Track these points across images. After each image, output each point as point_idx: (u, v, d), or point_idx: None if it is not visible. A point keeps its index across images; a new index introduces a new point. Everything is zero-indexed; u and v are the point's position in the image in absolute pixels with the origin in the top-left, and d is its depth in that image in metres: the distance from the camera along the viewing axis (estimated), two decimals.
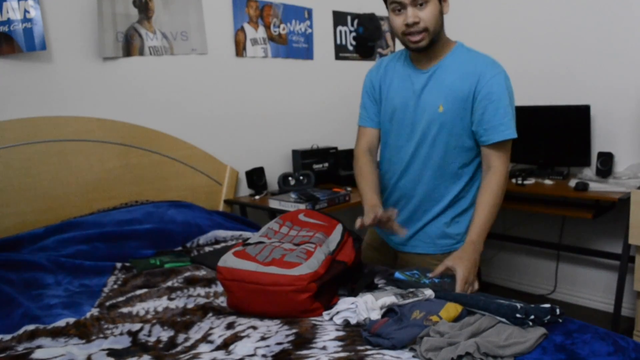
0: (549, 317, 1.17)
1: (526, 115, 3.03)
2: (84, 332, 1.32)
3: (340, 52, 3.32)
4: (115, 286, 1.70)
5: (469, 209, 1.67)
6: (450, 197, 1.64)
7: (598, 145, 2.84)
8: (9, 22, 2.03)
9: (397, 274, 1.42)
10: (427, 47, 1.52)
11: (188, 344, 1.25)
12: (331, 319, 1.27)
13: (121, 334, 1.31)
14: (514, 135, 1.52)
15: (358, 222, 1.46)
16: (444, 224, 1.67)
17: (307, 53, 3.14)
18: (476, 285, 1.42)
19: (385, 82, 1.68)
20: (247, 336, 1.21)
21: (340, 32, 3.32)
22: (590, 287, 3.09)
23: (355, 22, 3.41)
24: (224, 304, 1.44)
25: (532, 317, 1.15)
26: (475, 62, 1.54)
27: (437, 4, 1.49)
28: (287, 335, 1.19)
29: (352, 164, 1.80)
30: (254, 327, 1.25)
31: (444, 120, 1.55)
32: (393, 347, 1.10)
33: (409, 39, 1.52)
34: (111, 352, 1.19)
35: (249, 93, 2.89)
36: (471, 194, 1.67)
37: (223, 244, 2.09)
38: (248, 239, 1.50)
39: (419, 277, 1.42)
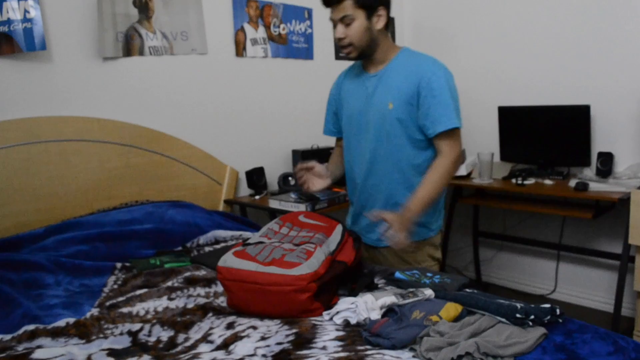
0: (549, 317, 1.17)
1: (526, 115, 3.04)
2: (84, 332, 1.32)
3: (340, 52, 3.32)
4: (115, 286, 1.70)
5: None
6: (413, 188, 1.72)
7: (598, 145, 2.84)
8: (9, 22, 2.03)
9: (398, 274, 1.42)
10: (359, 57, 1.71)
11: (188, 344, 1.25)
12: (331, 319, 1.27)
13: (121, 334, 1.31)
14: (457, 124, 1.65)
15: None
16: None
17: (307, 53, 3.14)
18: (403, 239, 1.52)
19: (343, 90, 1.85)
20: (247, 336, 1.21)
21: None
22: (590, 287, 3.09)
23: None
24: (224, 304, 1.44)
25: (532, 317, 1.15)
26: (417, 63, 1.69)
27: (363, 22, 1.63)
28: (287, 335, 1.19)
29: None
30: (254, 327, 1.25)
31: (395, 115, 1.69)
32: (393, 347, 1.10)
33: (341, 50, 1.72)
34: (111, 352, 1.19)
35: (249, 93, 2.89)
36: None
37: (223, 244, 2.09)
38: (248, 239, 1.50)
39: (419, 277, 1.42)
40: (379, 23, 1.66)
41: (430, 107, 1.63)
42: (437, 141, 1.67)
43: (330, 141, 3.07)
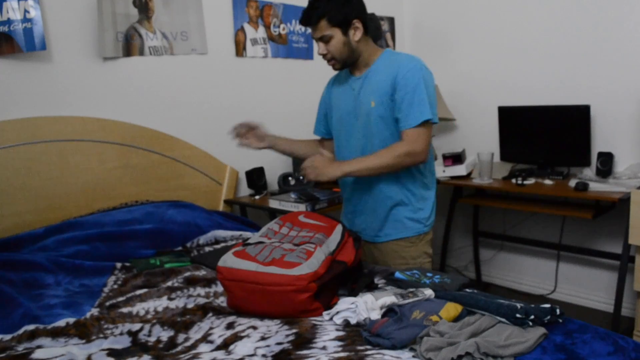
0: (549, 317, 1.17)
1: (526, 115, 3.03)
2: (84, 332, 1.32)
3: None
4: (115, 286, 1.70)
5: (427, 194, 1.84)
6: (405, 182, 1.79)
7: (598, 145, 2.84)
8: (9, 22, 2.03)
9: (397, 274, 1.43)
10: (343, 67, 1.80)
11: (188, 344, 1.25)
12: (331, 319, 1.27)
13: (121, 334, 1.31)
14: (428, 116, 1.67)
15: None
16: (410, 210, 1.82)
17: (307, 53, 3.14)
18: (313, 174, 1.69)
19: (333, 94, 1.93)
20: (247, 336, 1.21)
21: None
22: (590, 287, 3.09)
23: None
24: (224, 304, 1.44)
25: (532, 317, 1.15)
26: (395, 61, 1.74)
27: (340, 37, 1.72)
28: (287, 335, 1.19)
29: None
30: (254, 327, 1.25)
31: (377, 113, 1.75)
32: (393, 347, 1.10)
33: (327, 62, 1.80)
34: (111, 352, 1.19)
35: (249, 93, 2.89)
36: (425, 178, 1.83)
37: (223, 244, 2.09)
38: (248, 239, 1.50)
39: (419, 277, 1.42)
40: (356, 35, 1.73)
41: (404, 102, 1.68)
42: (405, 135, 1.70)
43: None
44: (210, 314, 1.38)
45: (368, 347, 1.13)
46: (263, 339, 1.19)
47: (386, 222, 1.84)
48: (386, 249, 1.85)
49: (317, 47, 1.78)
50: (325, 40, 1.72)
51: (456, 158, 3.06)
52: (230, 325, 1.28)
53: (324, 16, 1.68)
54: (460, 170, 3.03)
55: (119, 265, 1.85)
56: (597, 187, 2.55)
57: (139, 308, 1.48)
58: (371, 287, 1.46)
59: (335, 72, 1.94)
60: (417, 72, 1.68)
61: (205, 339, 1.24)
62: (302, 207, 2.40)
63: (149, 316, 1.43)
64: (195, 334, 1.29)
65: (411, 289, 1.32)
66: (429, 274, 1.44)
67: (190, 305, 1.45)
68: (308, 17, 1.71)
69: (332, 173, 1.69)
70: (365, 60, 1.79)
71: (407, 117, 1.68)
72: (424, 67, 1.72)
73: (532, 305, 1.19)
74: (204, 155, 2.68)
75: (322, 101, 2.01)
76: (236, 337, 1.21)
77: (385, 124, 1.75)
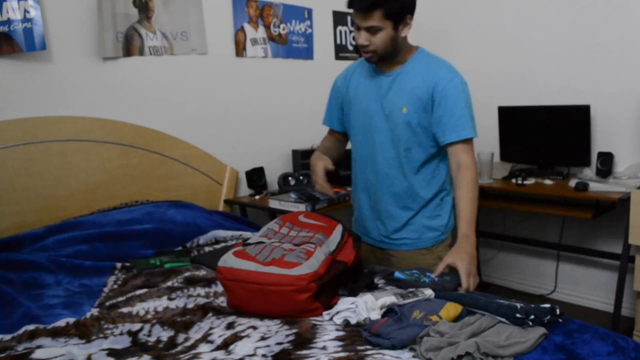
0: (549, 317, 1.17)
1: (526, 115, 3.04)
2: (84, 332, 1.32)
3: (341, 52, 3.32)
4: (115, 286, 1.70)
5: (443, 201, 1.79)
6: (423, 192, 1.74)
7: (598, 145, 2.84)
8: (9, 22, 2.03)
9: (397, 274, 1.43)
10: (378, 62, 1.67)
11: (188, 344, 1.25)
12: (331, 319, 1.27)
13: (121, 334, 1.31)
14: (473, 134, 1.63)
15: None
16: (426, 218, 1.77)
17: (307, 53, 3.14)
18: (477, 279, 1.45)
19: (352, 87, 1.80)
20: (247, 336, 1.21)
21: (340, 32, 3.32)
22: (590, 287, 3.09)
23: None
24: (224, 304, 1.44)
25: (532, 317, 1.15)
26: (434, 67, 1.67)
27: (390, 31, 1.59)
28: (287, 335, 1.19)
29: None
30: (254, 327, 1.25)
31: (408, 120, 1.67)
32: (393, 347, 1.10)
33: (362, 53, 1.67)
34: (111, 352, 1.19)
35: (249, 93, 2.89)
36: (441, 188, 1.77)
37: (223, 244, 2.09)
38: (248, 239, 1.50)
39: (418, 276, 1.42)
40: (405, 31, 1.63)
41: (444, 115, 1.61)
42: (455, 151, 1.64)
43: None
44: (210, 314, 1.38)
45: (368, 347, 1.13)
46: (263, 339, 1.19)
47: (402, 230, 1.78)
48: (402, 256, 1.80)
49: (357, 36, 1.61)
50: (374, 31, 1.57)
51: None
52: (230, 325, 1.28)
53: (380, 6, 1.53)
54: None
55: (119, 265, 1.85)
56: (597, 187, 2.55)
57: (139, 308, 1.48)
58: (371, 287, 1.46)
59: (343, 68, 1.84)
60: (458, 86, 1.63)
61: (205, 339, 1.24)
62: (302, 207, 2.40)
63: (149, 316, 1.43)
64: (195, 334, 1.29)
65: (411, 289, 1.32)
66: (428, 273, 1.44)
67: (190, 305, 1.45)
68: (363, 3, 1.54)
69: (475, 258, 1.49)
70: (399, 57, 1.68)
71: (448, 132, 1.62)
72: (463, 80, 1.66)
73: (532, 305, 1.19)
74: (204, 155, 2.68)
75: (336, 92, 1.87)
76: (236, 337, 1.21)
77: (413, 133, 1.67)
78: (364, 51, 1.64)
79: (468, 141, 1.64)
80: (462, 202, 1.60)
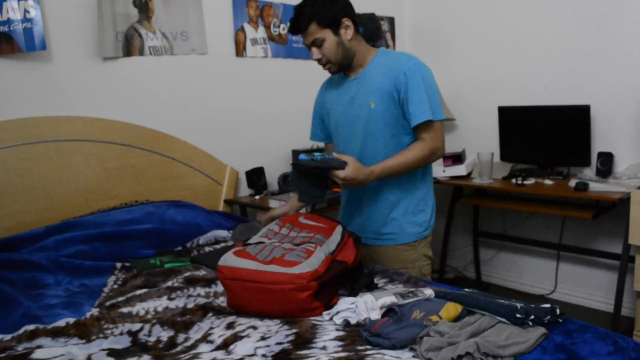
0: (549, 317, 1.17)
1: (526, 116, 3.03)
2: (84, 332, 1.32)
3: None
4: (115, 286, 1.70)
5: (427, 197, 1.84)
6: (408, 185, 1.79)
7: (598, 145, 2.84)
8: (9, 22, 2.03)
9: (301, 156, 1.54)
10: (340, 70, 1.78)
11: (188, 344, 1.25)
12: (331, 318, 1.27)
13: (121, 334, 1.31)
14: (430, 117, 1.67)
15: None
16: (410, 213, 1.81)
17: (307, 53, 3.12)
18: (353, 184, 1.61)
19: (328, 97, 1.90)
20: (247, 336, 1.21)
21: None
22: (590, 287, 3.09)
23: None
24: (224, 304, 1.44)
25: (532, 317, 1.15)
26: (394, 60, 1.73)
27: (333, 38, 1.70)
28: (287, 335, 1.19)
29: None
30: (254, 327, 1.25)
31: (377, 113, 1.73)
32: (393, 347, 1.10)
33: (323, 68, 1.79)
34: (111, 352, 1.19)
35: (249, 93, 2.89)
36: (424, 182, 1.83)
37: (223, 244, 2.09)
38: (248, 239, 1.50)
39: (320, 156, 1.54)
40: (348, 33, 1.71)
41: (406, 103, 1.68)
42: (417, 132, 1.72)
43: None
44: (210, 314, 1.38)
45: (368, 347, 1.13)
46: (263, 338, 1.19)
47: (385, 226, 1.82)
48: (385, 252, 1.84)
49: (311, 54, 1.76)
50: (318, 44, 1.70)
51: (456, 158, 3.06)
52: (230, 325, 1.28)
53: (312, 19, 1.67)
54: (460, 170, 3.03)
55: (119, 265, 1.85)
56: (597, 187, 2.55)
57: (139, 308, 1.48)
58: (371, 287, 1.46)
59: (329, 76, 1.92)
60: (417, 72, 1.67)
61: (205, 339, 1.25)
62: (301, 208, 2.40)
63: (149, 316, 1.43)
64: (195, 334, 1.29)
65: (411, 289, 1.32)
66: (318, 154, 1.57)
67: (190, 305, 1.45)
68: (297, 24, 1.70)
69: (367, 182, 1.65)
70: (360, 61, 1.77)
71: (413, 118, 1.67)
72: (422, 65, 1.71)
73: (532, 305, 1.19)
74: (204, 155, 2.68)
75: (317, 106, 1.98)
76: (236, 337, 1.21)
77: (386, 125, 1.73)
78: (321, 64, 1.76)
79: (429, 123, 1.68)
80: (397, 155, 1.69)
